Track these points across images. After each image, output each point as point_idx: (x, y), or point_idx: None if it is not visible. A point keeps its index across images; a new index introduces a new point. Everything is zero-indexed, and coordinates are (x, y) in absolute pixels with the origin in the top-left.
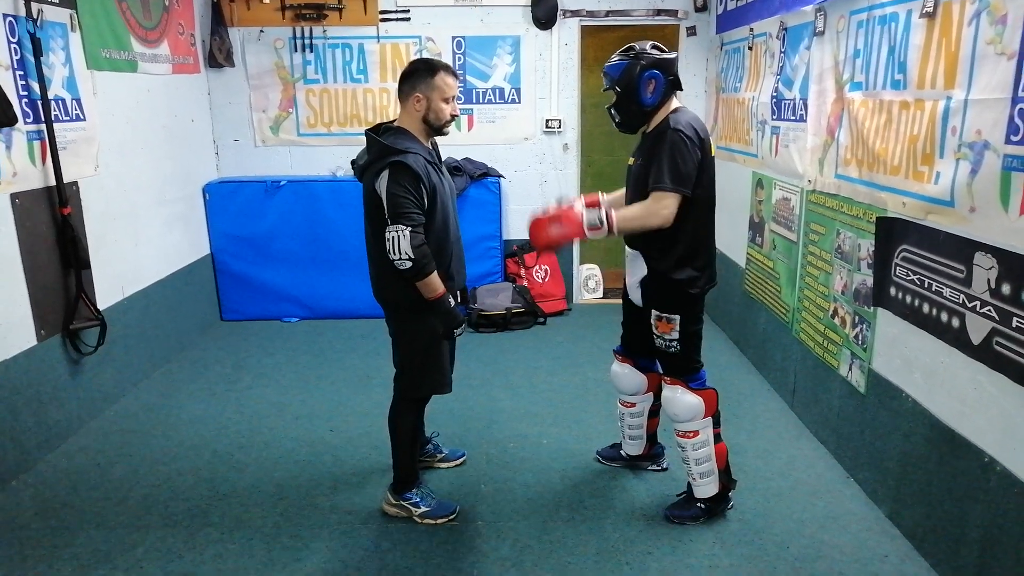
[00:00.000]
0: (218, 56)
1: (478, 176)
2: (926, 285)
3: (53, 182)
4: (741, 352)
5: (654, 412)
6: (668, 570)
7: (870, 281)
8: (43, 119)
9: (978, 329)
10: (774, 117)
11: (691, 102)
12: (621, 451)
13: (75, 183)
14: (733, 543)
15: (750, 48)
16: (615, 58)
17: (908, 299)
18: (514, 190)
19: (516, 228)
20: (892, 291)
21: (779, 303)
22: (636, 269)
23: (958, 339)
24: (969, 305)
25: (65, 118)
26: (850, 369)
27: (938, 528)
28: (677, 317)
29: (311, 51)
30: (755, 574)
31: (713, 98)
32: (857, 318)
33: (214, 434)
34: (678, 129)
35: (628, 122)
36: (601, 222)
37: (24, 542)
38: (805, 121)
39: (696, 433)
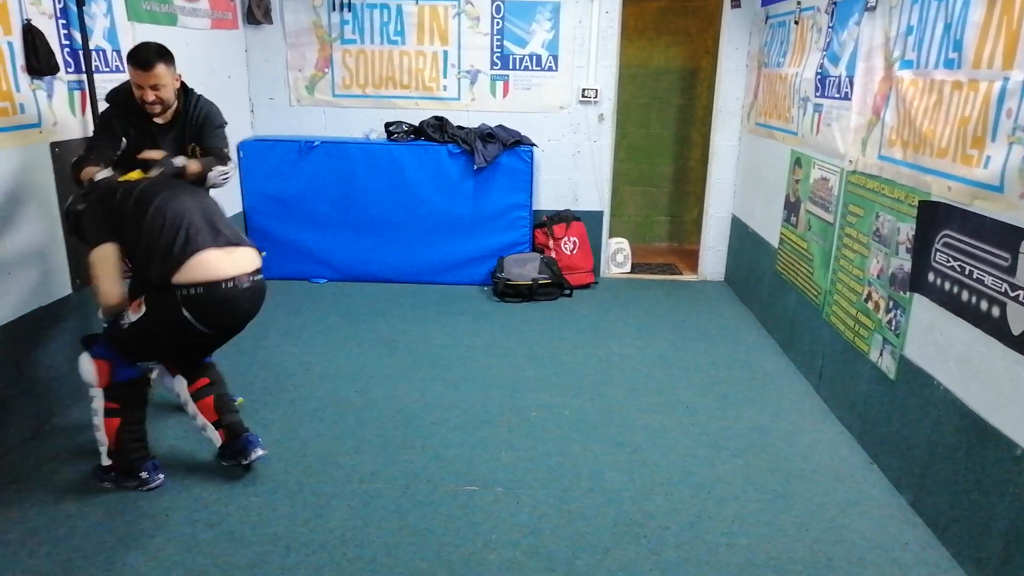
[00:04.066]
0: (256, 13)
1: (511, 144)
2: (967, 272)
3: (92, 133)
4: (768, 333)
5: (200, 394)
6: (685, 545)
7: (908, 266)
8: (84, 69)
9: (1020, 319)
10: (817, 94)
11: (731, 76)
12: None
13: None
14: (752, 522)
15: (796, 22)
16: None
17: (947, 286)
18: (547, 160)
19: (547, 198)
20: (930, 277)
21: (811, 285)
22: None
23: (997, 328)
24: (1012, 294)
25: (105, 69)
26: (881, 354)
27: (962, 518)
28: None
29: (349, 11)
30: (773, 554)
31: (755, 72)
32: (892, 303)
33: (239, 390)
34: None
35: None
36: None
37: (56, 485)
38: (850, 99)
39: (92, 399)
